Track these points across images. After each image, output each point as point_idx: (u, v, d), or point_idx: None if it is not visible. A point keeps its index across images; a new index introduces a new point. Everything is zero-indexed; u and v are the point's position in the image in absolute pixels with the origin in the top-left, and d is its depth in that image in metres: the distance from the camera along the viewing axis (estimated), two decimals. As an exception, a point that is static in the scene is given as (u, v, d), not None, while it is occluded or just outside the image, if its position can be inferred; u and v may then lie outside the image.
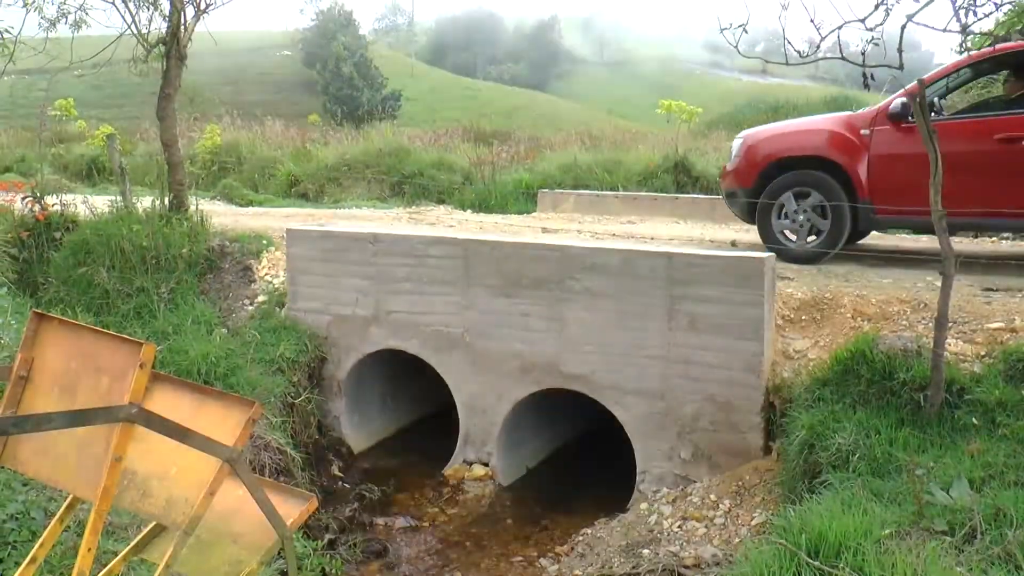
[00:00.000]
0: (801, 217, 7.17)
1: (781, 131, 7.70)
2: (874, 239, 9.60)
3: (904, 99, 6.70)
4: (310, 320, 7.67)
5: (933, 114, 6.83)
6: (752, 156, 7.48)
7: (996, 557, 3.52)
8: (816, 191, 7.09)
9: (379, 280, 7.36)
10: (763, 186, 7.30)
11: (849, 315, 5.99)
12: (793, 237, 7.32)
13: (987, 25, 10.72)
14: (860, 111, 7.41)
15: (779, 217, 7.29)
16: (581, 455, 7.70)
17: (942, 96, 7.48)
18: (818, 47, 4.69)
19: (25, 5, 8.33)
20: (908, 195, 6.58)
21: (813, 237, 7.20)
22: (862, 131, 7.01)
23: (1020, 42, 6.64)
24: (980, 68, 7.08)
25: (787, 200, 7.17)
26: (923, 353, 5.09)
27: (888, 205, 6.78)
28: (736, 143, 7.96)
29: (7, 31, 8.15)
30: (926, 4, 4.25)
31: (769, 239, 7.33)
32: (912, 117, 6.46)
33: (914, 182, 6.24)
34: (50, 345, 2.82)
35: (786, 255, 7.16)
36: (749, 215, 7.67)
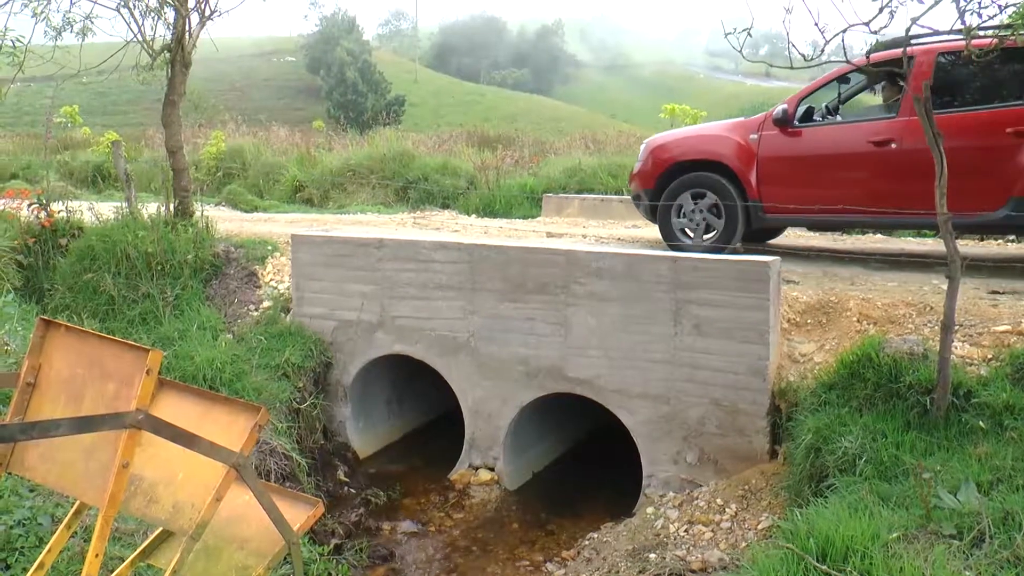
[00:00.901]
0: (698, 216, 7.63)
1: (680, 137, 8.14)
2: (878, 242, 9.59)
3: (785, 106, 7.30)
4: (315, 325, 7.68)
5: (820, 119, 7.50)
6: (654, 160, 7.94)
7: (1005, 561, 3.50)
8: (711, 192, 7.55)
9: (384, 285, 7.37)
10: (664, 188, 7.77)
11: (855, 318, 5.98)
12: (691, 234, 7.76)
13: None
14: (751, 118, 7.80)
15: (678, 216, 7.75)
16: (587, 459, 7.69)
17: (843, 101, 7.97)
18: (822, 50, 4.69)
19: (34, 15, 8.36)
20: (792, 195, 7.13)
21: (709, 235, 7.63)
22: (751, 136, 7.45)
23: (892, 51, 6.74)
24: (870, 75, 7.44)
25: (685, 200, 7.64)
26: (929, 356, 5.08)
27: (774, 204, 7.26)
28: (642, 148, 8.36)
29: (18, 40, 8.17)
30: (931, 7, 4.25)
31: (669, 237, 7.82)
32: (799, 122, 7.31)
33: (796, 183, 7.10)
34: (57, 351, 2.83)
35: (676, 247, 7.62)
36: (652, 215, 8.09)
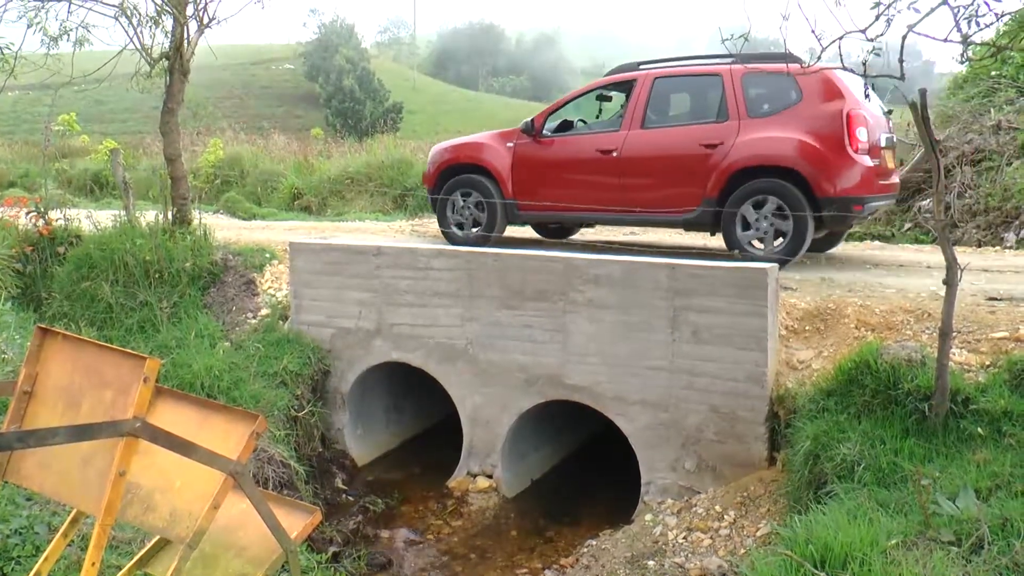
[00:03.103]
0: (467, 212, 8.72)
1: (456, 144, 9.19)
2: (877, 249, 9.60)
3: (531, 119, 8.46)
4: (313, 333, 7.67)
5: (565, 132, 8.53)
6: (436, 164, 9.06)
7: (1003, 567, 3.50)
8: (476, 191, 8.67)
9: (382, 293, 7.37)
10: (443, 186, 8.92)
11: (853, 325, 5.98)
12: (462, 227, 8.88)
13: (988, 35, 10.75)
14: (512, 128, 8.86)
15: (452, 212, 8.85)
16: (585, 467, 7.68)
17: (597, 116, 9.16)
18: (819, 57, 4.70)
19: (30, 24, 8.37)
20: (539, 195, 8.26)
21: (476, 228, 8.69)
22: (508, 143, 8.56)
23: (621, 75, 8.31)
24: (604, 93, 8.70)
25: (457, 198, 8.77)
26: (927, 363, 5.08)
27: (526, 201, 8.40)
28: (430, 153, 9.55)
29: (8, 47, 8.19)
30: (927, 14, 4.26)
31: (444, 227, 9.03)
32: (548, 133, 8.43)
33: (542, 185, 8.23)
34: (54, 360, 2.83)
35: (455, 240, 8.74)
36: (434, 210, 9.30)
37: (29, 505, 4.30)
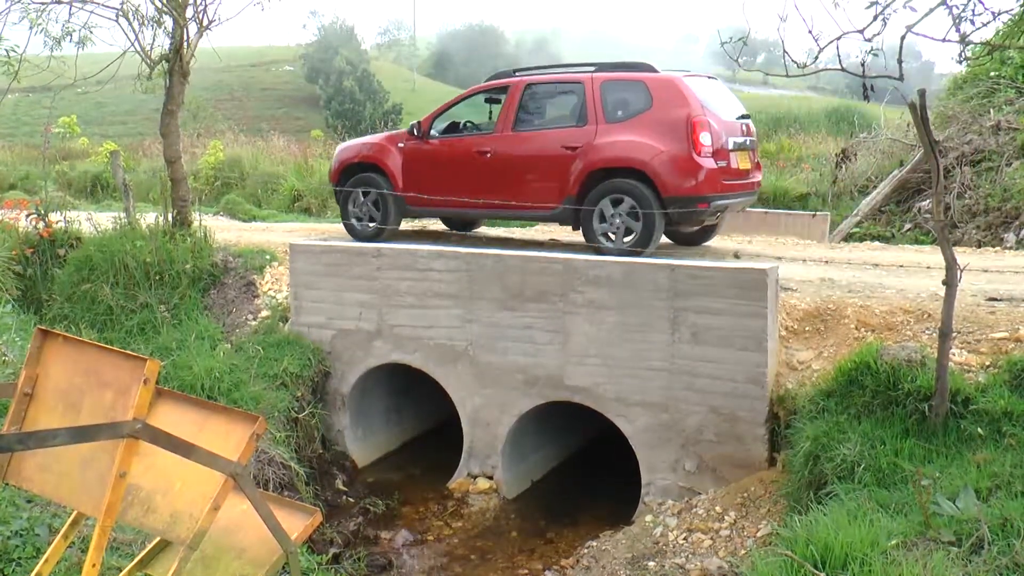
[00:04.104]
0: (364, 207, 9.14)
1: (356, 144, 9.70)
2: (878, 249, 9.61)
3: (417, 121, 9.00)
4: (314, 334, 7.68)
5: (451, 134, 9.03)
6: (338, 162, 9.54)
7: (1004, 567, 3.50)
8: (372, 187, 9.13)
9: (382, 294, 7.37)
10: (345, 183, 9.34)
11: (853, 325, 5.98)
12: (360, 221, 9.26)
13: (986, 35, 10.76)
14: (404, 130, 9.41)
15: (353, 206, 9.25)
16: (585, 468, 7.68)
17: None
18: (816, 58, 4.70)
19: (32, 25, 8.38)
20: (424, 191, 8.71)
21: (372, 223, 9.09)
22: (399, 144, 9.04)
23: (497, 81, 8.86)
24: (493, 96, 9.15)
25: (356, 194, 9.20)
26: (927, 363, 5.08)
27: (413, 196, 8.85)
28: (335, 151, 10.10)
29: (13, 49, 8.19)
30: (925, 15, 4.27)
31: (345, 220, 9.38)
32: (435, 134, 8.88)
33: (427, 181, 8.67)
34: (54, 362, 2.83)
35: (354, 233, 9.19)
36: (339, 204, 9.79)
37: (29, 507, 4.30)
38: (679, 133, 7.52)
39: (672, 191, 7.48)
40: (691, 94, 7.70)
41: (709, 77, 8.52)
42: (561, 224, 8.72)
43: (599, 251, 7.44)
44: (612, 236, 7.66)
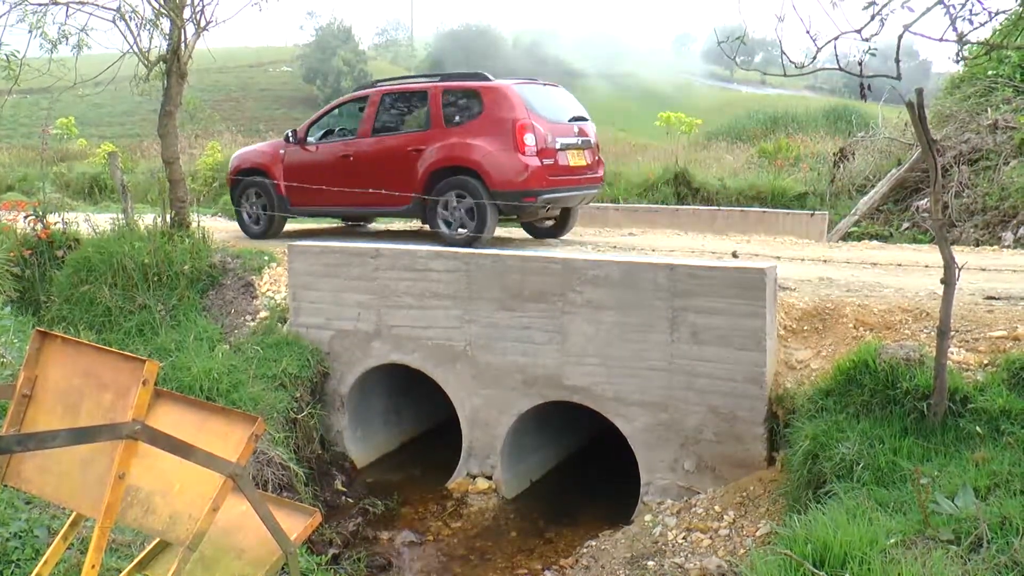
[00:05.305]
0: (253, 208, 10.24)
1: (247, 151, 10.82)
2: (876, 248, 9.62)
3: (293, 129, 10.07)
4: (312, 335, 7.68)
5: (324, 140, 10.00)
6: (232, 167, 10.54)
7: (1003, 566, 3.50)
8: (259, 190, 10.17)
9: (381, 295, 7.37)
10: (238, 187, 10.36)
11: (851, 325, 5.99)
12: (250, 220, 10.38)
13: (984, 34, 10.78)
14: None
15: (244, 204, 10.32)
16: (585, 467, 7.68)
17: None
18: (814, 58, 4.71)
19: (31, 29, 8.38)
20: (303, 193, 9.72)
21: (259, 224, 10.23)
22: (281, 150, 10.07)
23: (360, 92, 10.02)
24: (360, 106, 10.07)
25: (247, 196, 10.25)
26: (926, 362, 5.08)
27: (293, 199, 9.91)
28: (231, 158, 11.13)
29: (14, 54, 8.20)
30: (922, 14, 4.27)
31: (240, 221, 10.49)
32: (311, 140, 9.93)
33: (302, 183, 9.70)
34: (53, 363, 2.83)
35: (248, 233, 10.32)
36: (234, 204, 10.78)
37: (28, 508, 4.30)
38: (506, 135, 8.60)
39: (500, 186, 8.55)
40: (518, 100, 8.76)
41: (547, 84, 9.67)
42: (412, 218, 9.71)
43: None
44: (451, 223, 8.79)
